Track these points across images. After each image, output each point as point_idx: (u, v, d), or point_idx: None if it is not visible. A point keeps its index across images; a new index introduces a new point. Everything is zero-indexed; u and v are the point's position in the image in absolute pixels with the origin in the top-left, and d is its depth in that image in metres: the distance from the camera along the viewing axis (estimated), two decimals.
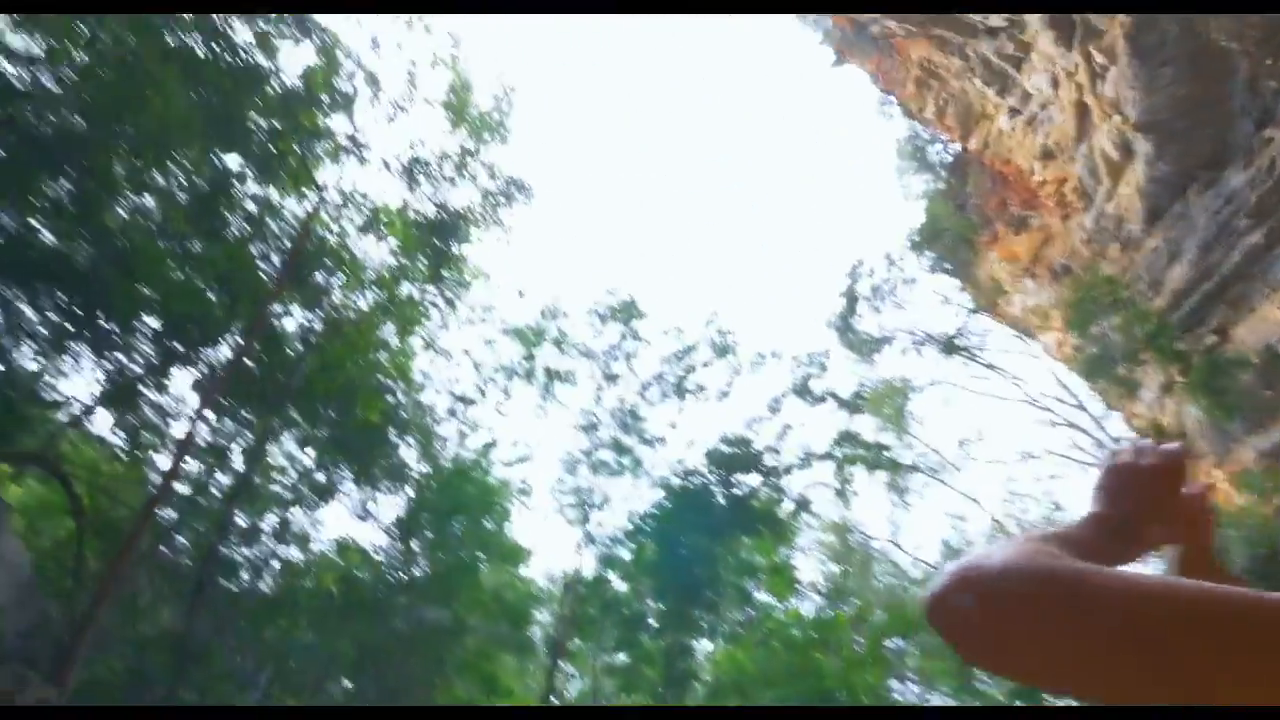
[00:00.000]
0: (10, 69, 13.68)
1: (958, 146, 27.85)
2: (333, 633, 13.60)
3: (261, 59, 14.15)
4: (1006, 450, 23.81)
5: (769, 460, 17.89)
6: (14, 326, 15.28)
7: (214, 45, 13.62)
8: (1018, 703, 13.04)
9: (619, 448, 19.60)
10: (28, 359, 15.02)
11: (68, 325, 14.88)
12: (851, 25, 24.21)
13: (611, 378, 19.98)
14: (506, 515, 20.27)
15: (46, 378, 15.47)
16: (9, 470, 14.63)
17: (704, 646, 18.26)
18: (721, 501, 17.26)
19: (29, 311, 15.06)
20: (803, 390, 19.02)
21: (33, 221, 15.07)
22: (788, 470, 17.97)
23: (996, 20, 21.18)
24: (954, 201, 25.76)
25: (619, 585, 18.95)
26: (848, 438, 18.52)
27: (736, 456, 17.58)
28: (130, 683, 10.14)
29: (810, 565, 23.59)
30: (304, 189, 15.94)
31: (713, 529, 16.58)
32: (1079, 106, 20.19)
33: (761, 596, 18.91)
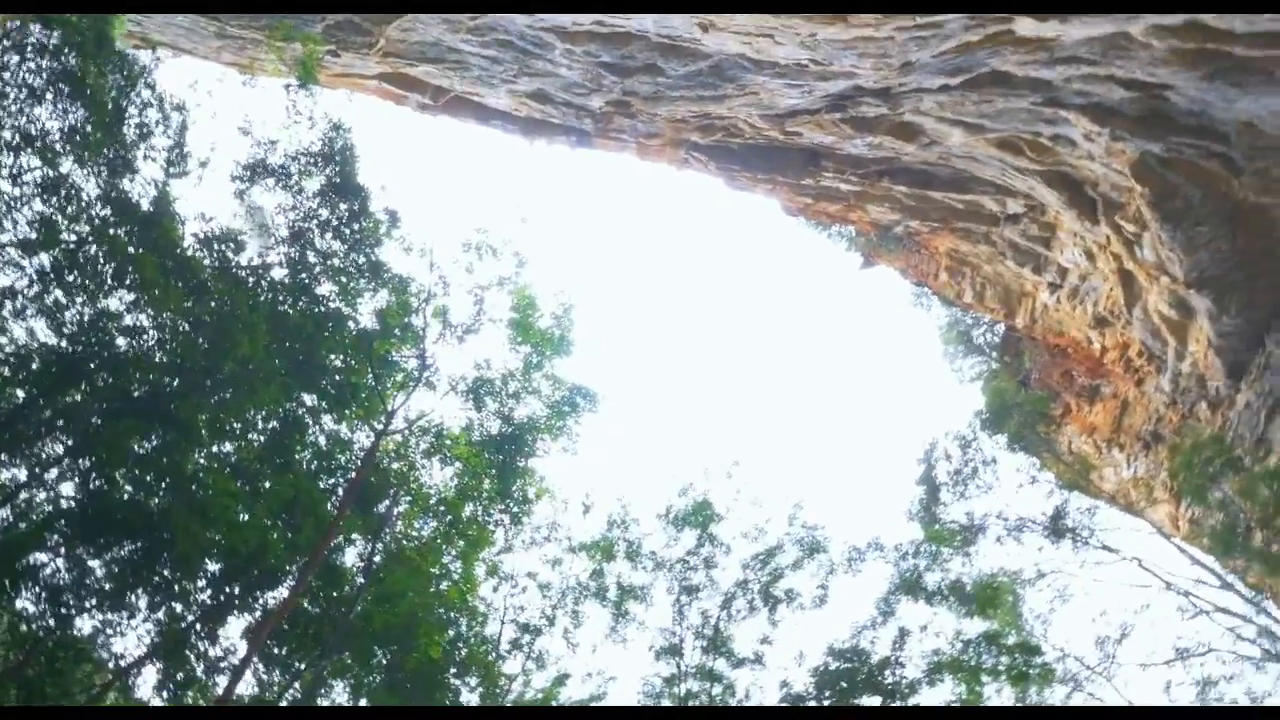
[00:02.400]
0: (120, 340, 15.11)
1: (1003, 325, 28.03)
2: None
3: (341, 305, 15.57)
4: (1157, 649, 20.32)
5: (890, 676, 15.29)
6: (78, 583, 15.09)
7: (296, 297, 15.06)
8: None
9: (708, 674, 17.27)
10: (83, 615, 14.59)
11: (129, 576, 14.63)
12: (874, 229, 25.90)
13: (691, 590, 18.29)
14: None
15: (98, 635, 14.89)
16: None
17: None
18: None
19: (95, 564, 14.98)
20: (915, 588, 16.89)
21: (115, 475, 15.59)
22: (913, 688, 15.26)
23: (1015, 207, 22.34)
24: (1015, 379, 25.27)
25: None
26: (981, 642, 15.89)
27: (851, 673, 15.11)
28: None
29: None
30: (372, 420, 16.49)
31: None
32: (1121, 274, 20.36)
33: None
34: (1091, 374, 24.36)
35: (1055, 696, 19.27)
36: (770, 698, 16.79)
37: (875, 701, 15.20)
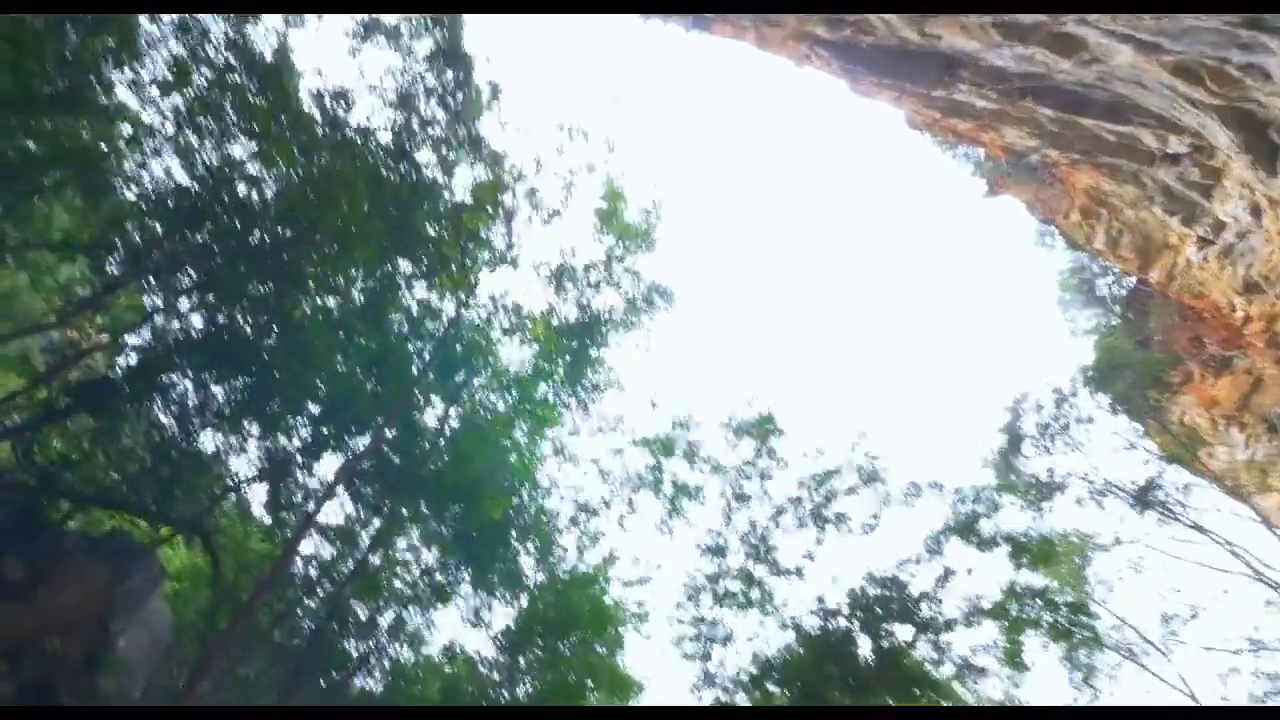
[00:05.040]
0: (242, 187, 16.04)
1: (1133, 279, 25.47)
2: None
3: (439, 175, 15.85)
4: (1228, 635, 19.38)
5: (926, 610, 15.37)
6: (202, 405, 17.01)
7: (399, 164, 15.42)
8: None
9: (747, 577, 17.92)
10: (205, 435, 16.53)
11: (244, 405, 16.35)
12: (1006, 154, 23.49)
13: (743, 498, 18.68)
14: (620, 641, 18.93)
15: (218, 452, 16.90)
16: (169, 534, 15.68)
17: None
18: (866, 654, 14.93)
19: (217, 390, 16.81)
20: (968, 531, 16.56)
21: (236, 315, 17.09)
22: (949, 625, 15.31)
23: (1177, 145, 19.65)
24: (1134, 338, 23.15)
25: None
26: (1029, 594, 15.62)
27: (886, 601, 15.30)
28: None
29: None
30: (459, 292, 17.16)
31: (854, 686, 14.27)
32: None
33: None
34: (1226, 343, 21.96)
35: (1104, 661, 18.90)
36: (805, 609, 17.30)
37: (907, 630, 15.39)
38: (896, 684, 14.74)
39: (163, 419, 17.07)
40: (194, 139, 15.61)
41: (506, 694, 15.09)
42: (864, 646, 15.35)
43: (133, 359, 16.80)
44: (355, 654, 15.02)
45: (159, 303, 17.05)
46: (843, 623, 15.55)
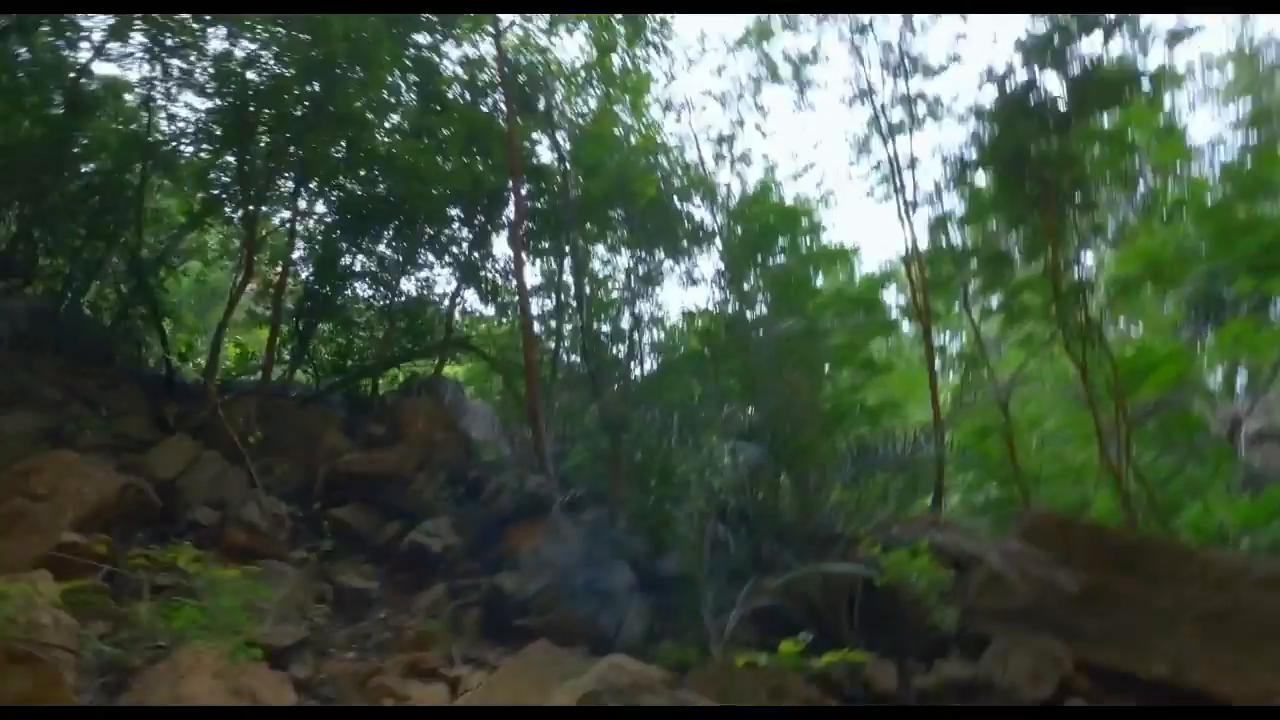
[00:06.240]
0: (250, 74, 15.63)
1: None
2: (715, 379, 15.63)
3: None
4: None
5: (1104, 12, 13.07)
6: (380, 263, 19.21)
7: None
8: None
9: (904, 98, 16.81)
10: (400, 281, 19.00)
11: (408, 244, 18.25)
12: None
13: (862, 29, 16.59)
14: (817, 226, 19.74)
15: (419, 291, 19.51)
16: (440, 362, 19.11)
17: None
18: (1058, 92, 13.63)
19: (380, 247, 18.80)
20: None
21: (341, 184, 18.07)
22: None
23: None
24: None
25: (964, 233, 17.37)
26: None
27: (1060, 25, 13.25)
28: (596, 461, 13.50)
29: (1206, 122, 18.17)
30: (486, 26, 16.11)
31: (1058, 124, 13.46)
32: None
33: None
34: None
35: None
36: (976, 90, 15.78)
37: (1096, 42, 13.38)
38: (1102, 101, 13.48)
39: (366, 292, 19.76)
40: (179, 63, 15.30)
41: (749, 312, 16.98)
42: (1054, 85, 13.89)
43: (309, 270, 19.08)
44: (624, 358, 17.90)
45: (285, 215, 18.53)
46: (1021, 76, 13.97)
